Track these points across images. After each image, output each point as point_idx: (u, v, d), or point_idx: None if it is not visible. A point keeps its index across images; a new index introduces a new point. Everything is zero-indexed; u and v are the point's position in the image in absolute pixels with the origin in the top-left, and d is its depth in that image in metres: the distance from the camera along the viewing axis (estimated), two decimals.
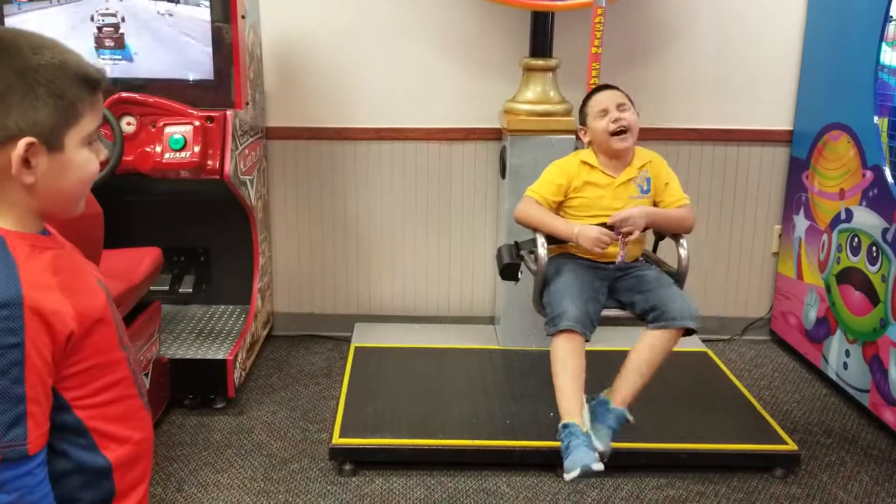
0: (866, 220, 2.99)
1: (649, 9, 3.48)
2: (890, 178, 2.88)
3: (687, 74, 3.56)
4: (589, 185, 2.54)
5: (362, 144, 3.58)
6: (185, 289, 3.41)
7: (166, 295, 3.36)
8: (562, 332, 2.32)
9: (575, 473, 2.13)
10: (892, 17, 2.93)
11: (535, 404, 2.85)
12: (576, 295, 2.37)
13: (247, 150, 3.13)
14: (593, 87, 2.80)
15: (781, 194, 3.65)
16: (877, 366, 2.90)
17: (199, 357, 2.96)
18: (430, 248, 3.70)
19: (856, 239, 3.04)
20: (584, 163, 2.57)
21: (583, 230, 2.43)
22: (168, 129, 2.87)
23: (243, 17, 3.00)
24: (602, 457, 2.20)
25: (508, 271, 2.64)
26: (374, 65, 3.53)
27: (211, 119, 2.89)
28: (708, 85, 3.58)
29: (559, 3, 3.06)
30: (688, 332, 2.43)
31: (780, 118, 3.60)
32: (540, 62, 3.24)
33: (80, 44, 2.95)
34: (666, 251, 2.74)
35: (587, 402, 2.34)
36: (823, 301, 3.26)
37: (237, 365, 2.98)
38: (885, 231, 2.88)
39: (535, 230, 2.52)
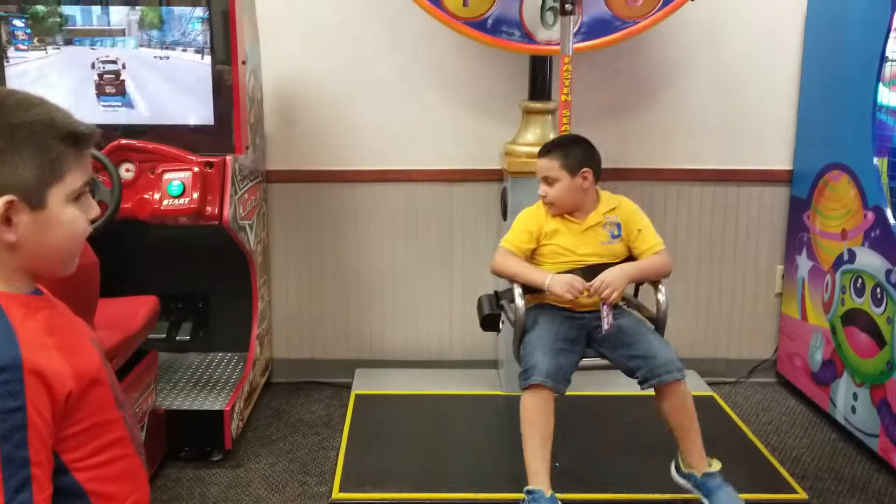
0: (869, 261, 2.96)
1: (648, 52, 3.49)
2: (892, 220, 2.86)
3: (686, 115, 3.57)
4: (557, 232, 2.56)
5: (362, 187, 3.57)
6: (183, 336, 3.36)
7: (163, 343, 3.30)
8: (532, 386, 2.34)
9: None
10: (888, 57, 2.94)
11: None
12: (549, 348, 2.37)
13: (246, 195, 3.11)
14: (564, 133, 2.83)
15: (783, 234, 3.63)
16: (885, 410, 2.86)
17: (195, 408, 2.91)
18: (432, 291, 3.66)
19: (860, 280, 3.02)
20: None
21: (554, 278, 2.45)
22: (167, 176, 2.85)
23: (244, 62, 3.00)
24: None
25: (489, 322, 2.64)
26: (374, 107, 3.52)
27: (210, 164, 2.87)
28: (707, 125, 3.58)
29: (556, 47, 3.06)
30: None
31: (779, 158, 3.60)
32: (539, 105, 3.24)
33: (82, 90, 2.96)
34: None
35: (681, 475, 2.47)
36: (829, 343, 3.22)
37: (234, 416, 2.92)
38: (888, 272, 2.85)
39: (512, 280, 2.52)
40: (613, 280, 2.43)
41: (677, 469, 2.50)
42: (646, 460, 2.79)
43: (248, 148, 3.07)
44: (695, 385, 3.45)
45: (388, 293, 3.66)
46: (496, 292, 2.64)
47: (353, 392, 3.35)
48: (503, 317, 2.61)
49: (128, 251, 3.24)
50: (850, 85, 3.10)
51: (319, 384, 3.62)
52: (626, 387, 3.36)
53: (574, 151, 2.59)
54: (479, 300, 2.68)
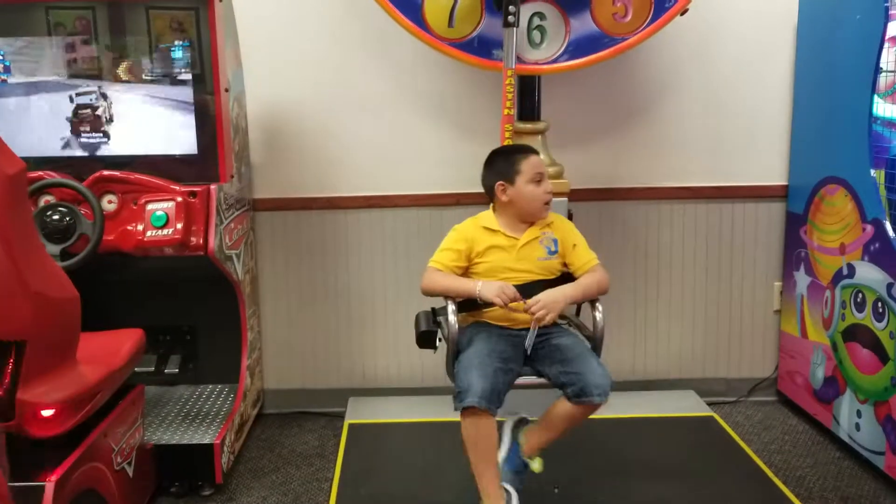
0: (870, 275, 2.91)
1: (638, 69, 3.46)
2: (891, 232, 2.81)
3: (678, 132, 3.53)
4: (492, 249, 2.52)
5: (352, 213, 3.52)
6: (172, 369, 3.28)
7: (152, 376, 3.23)
8: (467, 409, 2.30)
9: None
10: (881, 68, 2.90)
11: (539, 479, 2.73)
12: (484, 367, 2.32)
13: (233, 224, 3.06)
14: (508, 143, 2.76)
15: (780, 250, 3.58)
16: (890, 427, 2.79)
17: (185, 442, 2.84)
18: None
19: (860, 295, 2.96)
20: (485, 228, 2.56)
21: (485, 285, 2.42)
22: (150, 206, 2.81)
23: (227, 89, 2.96)
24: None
25: (425, 339, 2.56)
26: (361, 133, 3.48)
27: (194, 194, 2.82)
28: (699, 142, 3.54)
29: (544, 66, 3.03)
30: None
31: (774, 173, 3.56)
32: (528, 125, 3.19)
33: (63, 123, 2.92)
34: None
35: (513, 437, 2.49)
36: (830, 359, 3.16)
37: (225, 449, 2.85)
38: (889, 286, 2.79)
39: (444, 297, 2.48)
40: (551, 304, 2.41)
41: (517, 427, 2.52)
42: (643, 483, 2.73)
43: (233, 176, 3.03)
44: (695, 406, 3.42)
45: (380, 320, 3.60)
46: (433, 309, 2.58)
47: (347, 421, 3.28)
48: (440, 334, 2.54)
49: (114, 284, 3.18)
50: (844, 97, 3.06)
51: (312, 414, 3.55)
52: (627, 410, 3.34)
53: None
54: (417, 317, 2.61)
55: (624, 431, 3.19)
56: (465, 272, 2.54)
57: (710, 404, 3.44)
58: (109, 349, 2.56)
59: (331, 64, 3.43)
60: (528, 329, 2.44)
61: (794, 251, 3.45)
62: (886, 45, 2.86)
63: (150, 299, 3.26)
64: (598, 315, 2.49)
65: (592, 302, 2.52)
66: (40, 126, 2.95)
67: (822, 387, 3.23)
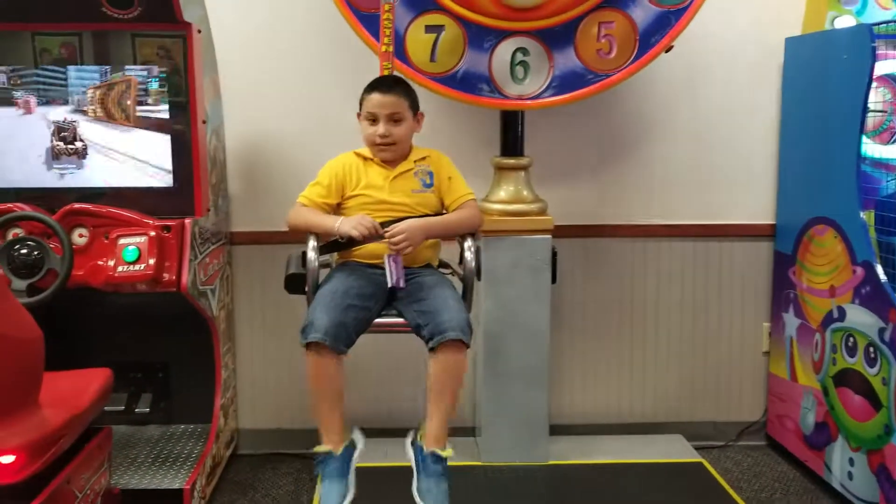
0: (861, 319, 2.84)
1: (624, 105, 3.41)
2: (883, 276, 2.74)
3: (664, 169, 3.48)
4: (366, 182, 2.45)
5: None
6: (142, 408, 3.17)
7: (122, 415, 3.12)
8: (310, 344, 2.21)
9: None
10: (869, 108, 2.86)
11: None
12: (333, 304, 2.26)
13: (208, 259, 2.98)
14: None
15: (768, 290, 3.52)
16: (884, 476, 2.71)
17: (153, 487, 2.74)
18: (402, 355, 3.49)
19: (851, 339, 2.89)
20: (359, 155, 2.50)
21: (344, 220, 2.35)
22: (121, 241, 2.73)
23: (204, 121, 2.90)
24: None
25: (293, 283, 2.46)
26: None
27: (167, 228, 2.75)
28: (686, 179, 3.49)
29: (528, 102, 2.98)
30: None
31: (761, 212, 3.50)
32: (511, 161, 3.14)
33: (36, 153, 2.87)
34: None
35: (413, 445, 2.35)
36: (821, 405, 3.08)
37: (195, 494, 2.75)
38: (881, 331, 2.73)
39: (308, 233, 2.40)
40: (411, 232, 2.32)
41: (413, 441, 2.39)
42: None
43: (209, 210, 2.95)
44: (682, 451, 3.33)
45: (359, 357, 3.44)
46: (304, 252, 2.46)
47: None
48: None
49: (84, 320, 3.09)
50: (831, 136, 3.02)
51: (288, 455, 3.43)
52: (612, 455, 3.25)
53: (412, 92, 2.53)
54: (288, 259, 2.50)
55: (609, 478, 3.09)
56: (339, 208, 2.45)
57: (698, 448, 3.35)
58: (75, 390, 2.45)
59: (313, 97, 3.37)
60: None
61: (783, 292, 3.39)
62: (874, 84, 2.82)
63: (122, 335, 3.17)
64: (468, 254, 2.40)
65: (462, 239, 2.45)
66: (13, 156, 2.88)
67: (813, 433, 3.15)
